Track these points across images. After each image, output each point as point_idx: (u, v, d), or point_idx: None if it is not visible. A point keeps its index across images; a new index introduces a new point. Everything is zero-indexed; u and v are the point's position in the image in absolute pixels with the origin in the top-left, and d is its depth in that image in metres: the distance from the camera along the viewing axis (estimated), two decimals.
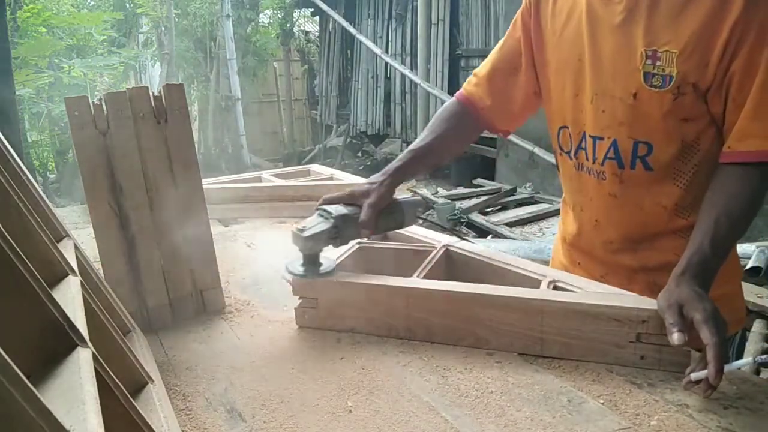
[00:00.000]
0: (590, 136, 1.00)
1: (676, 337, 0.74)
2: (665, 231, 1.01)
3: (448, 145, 1.15)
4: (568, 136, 1.05)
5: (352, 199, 1.03)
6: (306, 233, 0.96)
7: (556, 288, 0.93)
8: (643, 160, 0.96)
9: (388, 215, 1.05)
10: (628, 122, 0.95)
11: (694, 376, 0.75)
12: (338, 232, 0.99)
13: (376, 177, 1.06)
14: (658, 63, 0.89)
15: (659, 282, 0.87)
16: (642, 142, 0.95)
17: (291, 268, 1.00)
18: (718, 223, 0.85)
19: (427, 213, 4.87)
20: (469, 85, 1.19)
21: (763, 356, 0.76)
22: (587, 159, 1.02)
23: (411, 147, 1.13)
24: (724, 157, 0.90)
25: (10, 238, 0.44)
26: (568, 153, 1.07)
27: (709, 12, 0.86)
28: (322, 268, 1.00)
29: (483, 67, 1.17)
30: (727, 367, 0.73)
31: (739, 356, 0.96)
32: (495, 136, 5.71)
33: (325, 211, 1.00)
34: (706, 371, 0.72)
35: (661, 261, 1.00)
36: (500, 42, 1.15)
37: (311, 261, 1.00)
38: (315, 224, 0.99)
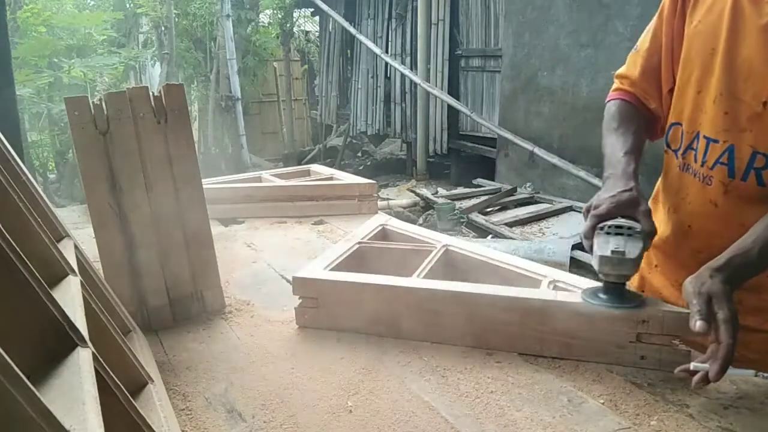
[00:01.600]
0: (704, 136, 0.93)
1: (699, 325, 0.73)
2: None
3: (642, 138, 1.05)
4: (680, 133, 0.99)
5: (621, 210, 0.91)
6: (630, 255, 0.84)
7: (556, 288, 0.93)
8: (758, 173, 0.89)
9: None
10: (751, 129, 0.88)
11: (693, 365, 0.75)
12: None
13: (625, 183, 0.93)
14: None
15: (742, 301, 0.83)
16: (762, 153, 0.87)
17: (590, 300, 0.88)
18: None
19: (427, 213, 4.87)
20: (622, 84, 1.09)
21: (765, 373, 0.76)
22: (695, 161, 0.96)
23: (625, 149, 1.01)
24: None
25: (10, 238, 0.44)
26: (675, 151, 1.01)
27: None
28: (637, 298, 0.89)
29: (632, 67, 1.07)
30: (730, 370, 0.73)
31: None
32: (495, 136, 5.65)
33: (620, 227, 0.87)
34: (707, 365, 0.72)
35: (753, 285, 0.88)
36: (644, 37, 1.05)
37: (619, 289, 0.88)
38: (626, 244, 0.85)
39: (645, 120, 1.06)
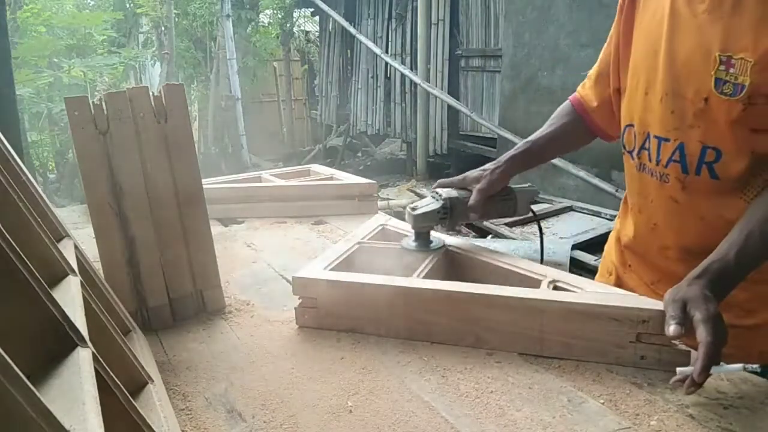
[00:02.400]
0: (655, 136, 0.97)
1: (672, 329, 0.75)
2: None
3: (560, 143, 1.19)
4: (633, 135, 1.02)
5: (463, 183, 1.09)
6: (417, 212, 1.05)
7: (556, 288, 0.93)
8: (710, 167, 0.91)
9: (500, 201, 1.10)
10: (698, 126, 0.90)
11: (679, 370, 0.76)
12: (447, 213, 1.06)
13: (490, 165, 1.10)
14: (731, 70, 0.85)
15: None
16: (711, 147, 0.90)
17: (404, 244, 1.10)
18: (749, 237, 0.82)
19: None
20: (582, 87, 1.17)
21: (754, 365, 0.76)
22: (650, 160, 0.99)
23: (527, 139, 1.16)
24: None
25: (10, 238, 0.44)
26: (631, 152, 1.04)
27: None
28: (432, 244, 1.09)
29: (594, 67, 1.15)
30: (715, 369, 0.73)
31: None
32: (495, 136, 5.66)
33: (437, 193, 1.08)
34: (691, 368, 0.73)
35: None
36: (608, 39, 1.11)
37: (422, 238, 1.09)
38: (426, 204, 1.07)
39: (581, 123, 1.16)
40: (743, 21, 0.84)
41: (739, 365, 0.76)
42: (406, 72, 6.68)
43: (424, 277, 0.98)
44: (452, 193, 1.07)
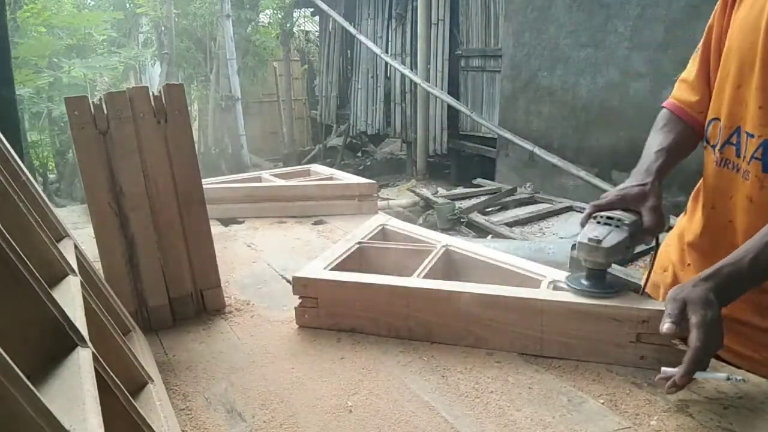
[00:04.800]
0: (744, 131, 0.93)
1: (665, 327, 0.75)
2: None
3: (680, 151, 1.06)
4: (718, 129, 0.98)
5: (625, 203, 0.94)
6: (605, 244, 0.86)
7: (556, 288, 0.93)
8: None
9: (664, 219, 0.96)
10: None
11: (663, 370, 0.76)
12: (632, 241, 0.89)
13: (641, 178, 0.96)
14: None
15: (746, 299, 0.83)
16: None
17: (571, 284, 0.91)
18: (767, 246, 0.80)
19: (427, 213, 4.87)
20: (678, 91, 1.10)
21: (737, 376, 0.76)
22: (737, 155, 0.95)
23: (657, 147, 1.03)
24: None
25: (9, 238, 0.44)
26: (714, 146, 0.99)
27: None
28: (614, 286, 0.90)
29: (689, 69, 1.07)
30: (699, 374, 0.73)
31: None
32: (495, 136, 5.65)
33: (610, 218, 0.90)
34: (675, 369, 0.73)
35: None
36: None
37: (597, 278, 0.90)
38: (608, 234, 0.88)
39: (688, 127, 1.05)
40: None
41: (723, 375, 0.76)
42: (406, 72, 6.68)
43: (424, 277, 0.98)
44: (631, 216, 0.91)
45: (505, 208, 4.86)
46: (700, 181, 1.08)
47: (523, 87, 5.19)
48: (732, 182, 0.96)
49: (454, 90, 6.54)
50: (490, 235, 4.15)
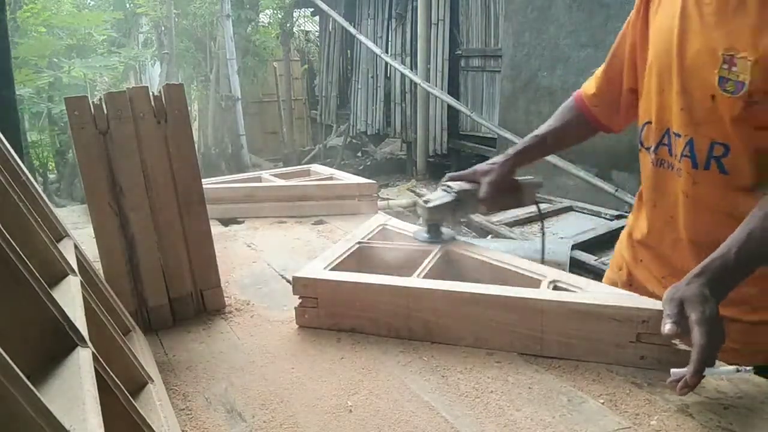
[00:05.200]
0: (673, 132, 1.01)
1: (667, 328, 0.75)
2: None
3: (564, 137, 1.24)
4: (651, 131, 1.06)
5: (474, 176, 1.14)
6: (430, 204, 1.08)
7: (556, 288, 0.93)
8: (719, 162, 0.94)
9: (507, 194, 1.15)
10: (706, 123, 0.94)
11: (673, 371, 0.76)
12: (458, 206, 1.10)
13: (498, 158, 1.15)
14: (733, 68, 0.88)
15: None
16: (719, 143, 0.94)
17: (417, 236, 1.14)
18: (750, 236, 0.83)
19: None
20: (587, 83, 1.23)
21: (747, 367, 0.76)
22: (670, 154, 1.02)
23: (533, 133, 1.21)
24: None
25: (9, 238, 0.44)
26: (648, 149, 1.07)
27: None
28: (444, 236, 1.12)
29: (602, 66, 1.20)
30: (709, 371, 0.73)
31: None
32: (495, 136, 5.65)
33: (448, 186, 1.12)
34: (685, 369, 0.73)
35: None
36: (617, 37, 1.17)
37: (435, 230, 1.13)
38: (438, 197, 1.10)
39: (582, 117, 1.21)
40: (745, 22, 0.87)
41: (732, 368, 0.76)
42: (406, 72, 6.68)
43: (424, 277, 0.98)
44: (464, 186, 1.12)
45: None
46: (642, 182, 1.15)
47: (523, 87, 5.19)
48: (669, 180, 1.04)
49: (454, 90, 6.54)
50: (490, 235, 4.15)
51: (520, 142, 1.20)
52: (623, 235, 1.25)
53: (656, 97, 1.02)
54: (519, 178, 1.18)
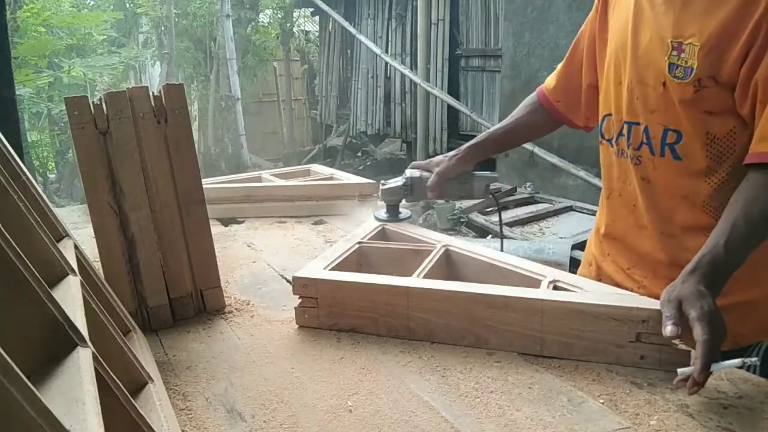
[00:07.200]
0: (627, 122, 1.04)
1: (668, 330, 0.75)
2: (694, 227, 1.00)
3: (522, 131, 1.31)
4: (611, 123, 1.09)
5: (428, 166, 1.25)
6: (384, 187, 1.25)
7: (556, 288, 0.93)
8: (672, 148, 0.98)
9: (457, 184, 1.24)
10: (658, 110, 0.98)
11: (680, 371, 0.75)
12: (408, 190, 1.23)
13: (453, 151, 1.24)
14: (682, 55, 0.93)
15: None
16: (672, 129, 0.98)
17: (376, 215, 1.27)
18: (735, 226, 0.84)
19: (427, 213, 4.87)
20: (549, 78, 1.28)
21: (753, 359, 0.76)
22: (627, 145, 1.06)
23: (494, 127, 1.29)
24: (747, 159, 0.90)
25: (9, 238, 0.44)
26: (610, 140, 1.11)
27: (736, 9, 0.88)
28: (400, 215, 1.26)
29: (562, 62, 1.25)
30: (715, 366, 0.73)
31: (766, 371, 0.94)
32: None
33: (405, 173, 1.25)
34: (692, 368, 0.73)
35: (688, 259, 0.92)
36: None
37: (392, 210, 1.26)
38: (394, 181, 1.25)
39: (544, 112, 1.27)
40: (692, 10, 0.93)
41: (738, 360, 0.76)
42: (406, 72, 6.68)
43: (424, 277, 0.98)
44: (416, 173, 1.24)
45: (505, 208, 4.85)
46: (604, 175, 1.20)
47: (523, 87, 5.19)
48: (629, 169, 1.07)
49: (454, 90, 6.54)
50: (490, 235, 4.15)
51: (479, 135, 1.27)
52: (592, 233, 1.28)
53: (614, 89, 1.07)
54: (475, 171, 1.26)
